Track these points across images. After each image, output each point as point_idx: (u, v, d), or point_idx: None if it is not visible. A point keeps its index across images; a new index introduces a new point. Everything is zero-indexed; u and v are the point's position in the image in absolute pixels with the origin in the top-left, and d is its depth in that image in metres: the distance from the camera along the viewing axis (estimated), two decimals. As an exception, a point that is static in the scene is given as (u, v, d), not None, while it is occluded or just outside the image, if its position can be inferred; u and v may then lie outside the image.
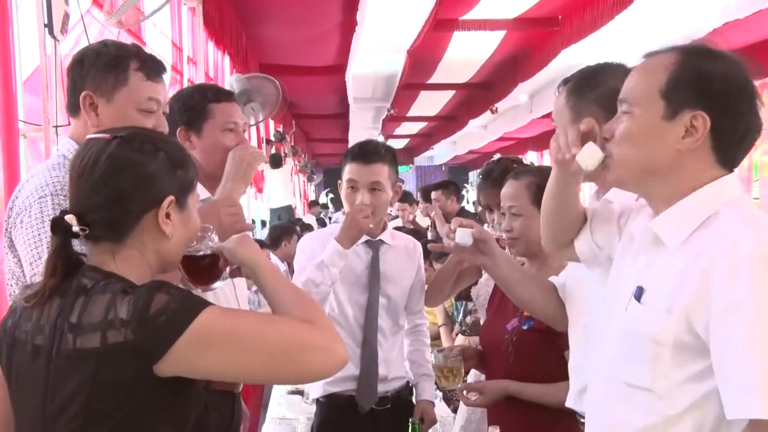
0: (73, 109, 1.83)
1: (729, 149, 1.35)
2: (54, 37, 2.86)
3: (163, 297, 1.23)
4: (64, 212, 1.31)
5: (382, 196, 2.55)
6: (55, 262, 1.31)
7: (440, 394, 3.47)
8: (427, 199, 6.88)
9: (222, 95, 2.24)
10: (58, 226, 1.30)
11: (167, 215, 1.34)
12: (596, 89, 1.76)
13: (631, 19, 6.48)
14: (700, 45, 1.40)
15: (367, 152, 2.56)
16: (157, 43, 4.55)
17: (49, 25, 2.83)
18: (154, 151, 1.34)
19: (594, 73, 1.82)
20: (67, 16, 2.87)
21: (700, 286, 1.27)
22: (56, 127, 2.90)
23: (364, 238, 2.60)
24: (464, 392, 2.22)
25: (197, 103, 2.18)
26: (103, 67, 1.77)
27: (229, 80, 5.74)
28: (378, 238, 2.64)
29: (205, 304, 1.26)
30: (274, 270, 1.46)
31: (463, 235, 1.94)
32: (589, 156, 1.45)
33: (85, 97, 1.78)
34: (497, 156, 2.84)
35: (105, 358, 1.22)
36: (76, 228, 1.29)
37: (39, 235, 1.65)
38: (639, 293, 1.37)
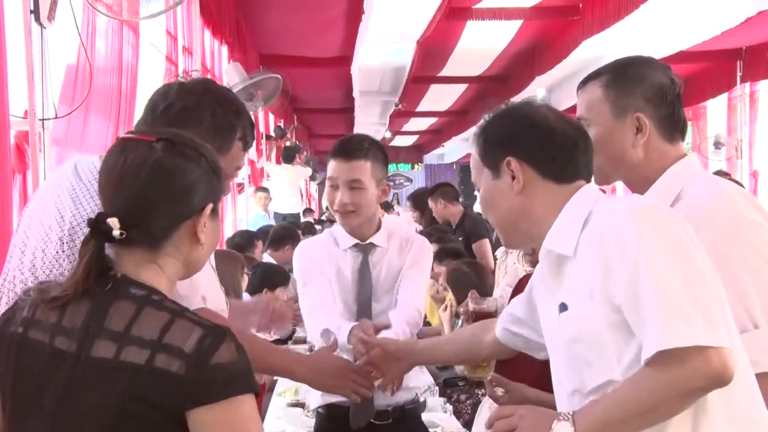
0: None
1: (548, 167, 1.57)
2: (41, 24, 2.88)
3: (232, 352, 1.24)
4: (102, 215, 1.31)
5: (363, 194, 2.51)
6: (90, 266, 1.31)
7: (450, 407, 3.47)
8: (417, 207, 6.98)
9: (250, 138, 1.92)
10: (96, 228, 1.30)
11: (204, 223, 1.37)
12: (641, 83, 1.77)
13: (658, 8, 6.46)
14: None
15: (348, 148, 2.53)
16: (151, 31, 4.56)
17: (35, 12, 2.84)
18: (197, 157, 1.37)
19: (633, 65, 1.83)
20: (55, 2, 2.89)
21: (604, 264, 1.43)
22: (42, 120, 2.91)
23: (353, 241, 2.55)
24: (492, 384, 2.12)
25: (229, 123, 1.86)
26: (213, 128, 1.77)
27: (227, 69, 5.77)
28: (368, 242, 2.56)
29: (256, 388, 1.28)
30: None
31: None
32: None
33: None
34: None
35: (144, 377, 1.22)
36: (116, 232, 1.29)
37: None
38: (563, 308, 1.52)
